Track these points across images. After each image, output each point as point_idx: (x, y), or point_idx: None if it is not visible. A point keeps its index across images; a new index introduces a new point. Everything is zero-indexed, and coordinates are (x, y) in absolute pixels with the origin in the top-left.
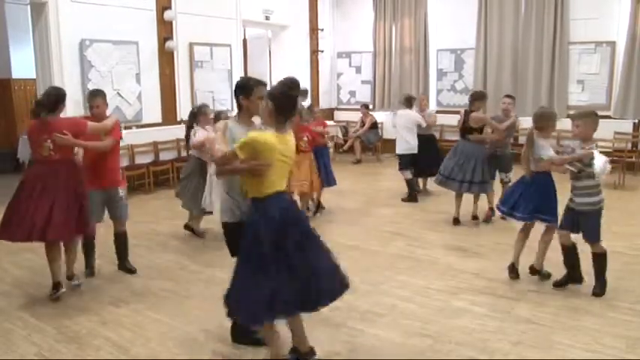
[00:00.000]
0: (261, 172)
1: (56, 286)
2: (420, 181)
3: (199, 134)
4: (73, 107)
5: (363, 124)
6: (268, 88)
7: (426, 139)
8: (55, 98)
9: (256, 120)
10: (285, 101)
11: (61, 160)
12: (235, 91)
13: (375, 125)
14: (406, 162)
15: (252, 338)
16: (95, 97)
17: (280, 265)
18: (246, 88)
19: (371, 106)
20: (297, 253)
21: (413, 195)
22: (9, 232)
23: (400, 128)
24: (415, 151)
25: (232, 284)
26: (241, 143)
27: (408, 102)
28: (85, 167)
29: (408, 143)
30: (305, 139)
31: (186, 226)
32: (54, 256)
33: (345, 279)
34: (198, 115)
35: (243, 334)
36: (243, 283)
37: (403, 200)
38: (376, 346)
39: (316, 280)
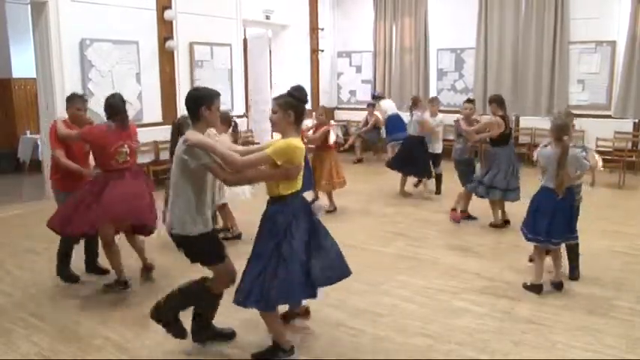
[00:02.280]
0: (295, 175)
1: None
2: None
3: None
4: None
5: (367, 122)
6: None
7: (420, 141)
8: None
9: (211, 131)
10: (302, 110)
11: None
12: (196, 101)
13: (378, 125)
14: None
15: (215, 333)
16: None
17: (309, 249)
18: (208, 99)
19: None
20: (317, 238)
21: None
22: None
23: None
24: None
25: (257, 276)
26: (278, 149)
27: (413, 104)
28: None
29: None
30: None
31: None
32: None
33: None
34: (183, 128)
35: (202, 330)
36: (274, 272)
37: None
38: (376, 346)
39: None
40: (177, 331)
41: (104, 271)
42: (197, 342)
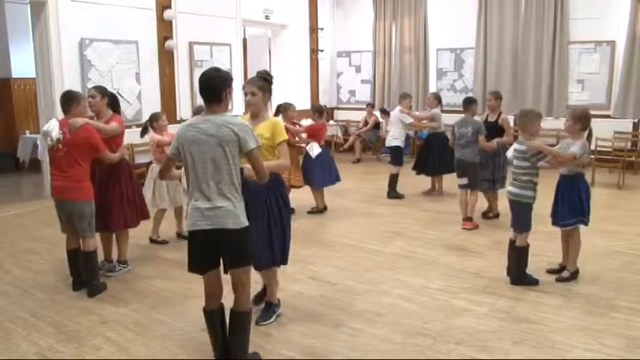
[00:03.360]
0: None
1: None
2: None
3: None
4: None
5: (366, 123)
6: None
7: (437, 137)
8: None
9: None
10: (272, 91)
11: None
12: (224, 82)
13: (378, 125)
14: (392, 155)
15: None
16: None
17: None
18: (231, 81)
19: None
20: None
21: (390, 193)
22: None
23: (391, 123)
24: (394, 143)
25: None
26: (281, 129)
27: (402, 98)
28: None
29: (391, 136)
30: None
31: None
32: None
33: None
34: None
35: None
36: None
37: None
38: (376, 346)
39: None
40: None
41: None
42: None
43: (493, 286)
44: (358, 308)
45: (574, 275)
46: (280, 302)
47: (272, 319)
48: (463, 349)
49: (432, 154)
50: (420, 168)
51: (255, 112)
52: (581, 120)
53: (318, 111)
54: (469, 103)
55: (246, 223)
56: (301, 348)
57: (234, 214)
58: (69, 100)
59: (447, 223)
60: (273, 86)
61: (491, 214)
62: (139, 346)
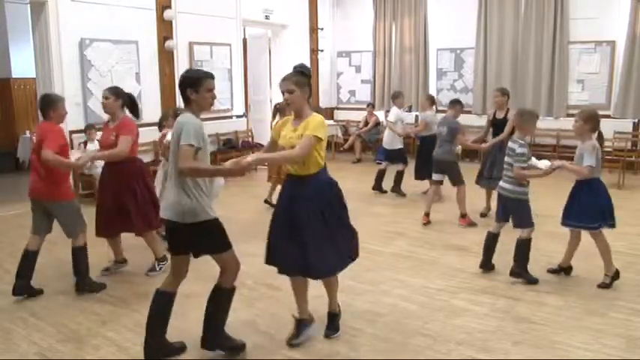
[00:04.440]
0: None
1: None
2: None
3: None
4: (74, 107)
5: (366, 123)
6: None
7: (427, 141)
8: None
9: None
10: (311, 86)
11: None
12: (181, 84)
13: (378, 125)
14: (399, 156)
15: (231, 346)
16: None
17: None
18: (193, 81)
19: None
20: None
21: (375, 186)
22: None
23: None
24: (399, 146)
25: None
26: (318, 126)
27: (395, 97)
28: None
29: (393, 138)
30: None
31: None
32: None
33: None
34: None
35: (219, 340)
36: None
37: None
38: (376, 346)
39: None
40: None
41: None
42: (206, 349)
43: (493, 286)
44: (358, 308)
45: (615, 277)
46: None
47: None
48: (463, 349)
49: (421, 158)
50: (416, 173)
51: (298, 111)
52: (590, 121)
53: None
54: (452, 103)
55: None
56: (301, 348)
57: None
58: (47, 104)
59: (447, 224)
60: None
61: (489, 212)
62: (139, 346)
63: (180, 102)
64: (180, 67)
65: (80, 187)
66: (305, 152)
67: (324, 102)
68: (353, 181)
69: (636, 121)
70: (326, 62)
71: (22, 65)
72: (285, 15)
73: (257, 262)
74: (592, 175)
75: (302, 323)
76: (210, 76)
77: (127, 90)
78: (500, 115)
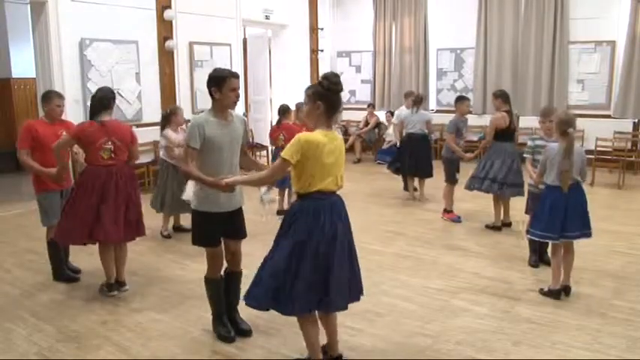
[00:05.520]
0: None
1: (110, 286)
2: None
3: (171, 136)
4: (74, 107)
5: (366, 123)
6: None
7: (421, 138)
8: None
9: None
10: (334, 99)
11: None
12: (208, 82)
13: (378, 126)
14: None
15: (220, 334)
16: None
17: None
18: (218, 80)
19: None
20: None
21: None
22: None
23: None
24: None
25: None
26: (287, 147)
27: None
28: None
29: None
30: (281, 137)
31: (176, 228)
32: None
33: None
34: (170, 116)
35: (215, 325)
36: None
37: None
38: (376, 346)
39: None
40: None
41: (73, 279)
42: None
43: (493, 286)
44: (358, 308)
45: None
46: None
47: None
48: (463, 349)
49: (404, 156)
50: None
51: (310, 123)
52: (559, 125)
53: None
54: (455, 100)
55: (195, 208)
56: (301, 348)
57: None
58: (42, 98)
59: (447, 223)
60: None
61: (496, 224)
62: (138, 346)
63: (180, 102)
64: (180, 67)
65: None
66: (271, 174)
67: None
68: (353, 182)
69: (636, 121)
70: (326, 62)
71: (22, 65)
72: (285, 15)
73: (256, 262)
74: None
75: None
76: (235, 76)
77: (127, 90)
78: None
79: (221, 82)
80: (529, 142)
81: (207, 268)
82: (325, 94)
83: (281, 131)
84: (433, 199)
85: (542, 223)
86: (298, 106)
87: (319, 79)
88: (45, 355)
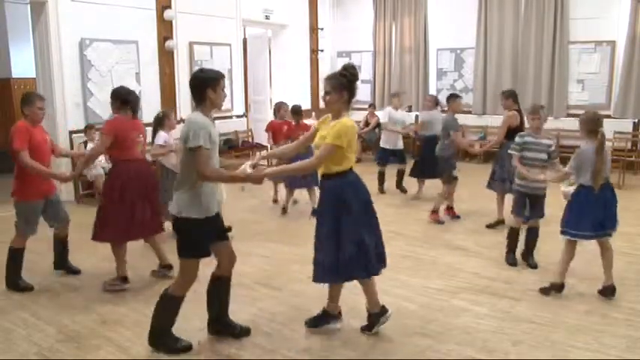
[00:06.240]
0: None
1: (124, 279)
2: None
3: (160, 137)
4: (74, 107)
5: (367, 123)
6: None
7: (427, 141)
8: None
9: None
10: (354, 88)
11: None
12: (203, 82)
13: (379, 126)
14: (400, 156)
15: (174, 347)
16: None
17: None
18: (214, 80)
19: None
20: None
21: (399, 185)
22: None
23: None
24: (385, 145)
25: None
26: (336, 134)
27: (391, 97)
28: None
29: (396, 139)
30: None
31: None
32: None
33: None
34: (163, 120)
35: (164, 340)
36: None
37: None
38: (376, 346)
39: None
40: (178, 347)
41: (76, 271)
42: (214, 334)
43: (493, 286)
44: (358, 308)
45: (557, 288)
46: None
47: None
48: (463, 349)
49: (421, 156)
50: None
51: (334, 112)
52: (584, 123)
53: (296, 112)
54: (448, 98)
55: (185, 215)
56: (301, 348)
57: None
58: (22, 101)
59: (447, 224)
60: (354, 82)
61: (499, 219)
62: (138, 346)
63: (180, 102)
64: (180, 67)
65: (80, 188)
66: (321, 161)
67: (324, 102)
68: None
69: (636, 121)
70: (326, 62)
71: (22, 65)
72: (285, 15)
73: (257, 262)
74: (568, 178)
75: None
76: (223, 76)
77: None
78: None
79: (216, 83)
80: (517, 139)
81: (177, 285)
82: (348, 84)
83: (301, 130)
84: (433, 199)
85: (577, 221)
86: (279, 105)
87: (340, 71)
88: (45, 355)
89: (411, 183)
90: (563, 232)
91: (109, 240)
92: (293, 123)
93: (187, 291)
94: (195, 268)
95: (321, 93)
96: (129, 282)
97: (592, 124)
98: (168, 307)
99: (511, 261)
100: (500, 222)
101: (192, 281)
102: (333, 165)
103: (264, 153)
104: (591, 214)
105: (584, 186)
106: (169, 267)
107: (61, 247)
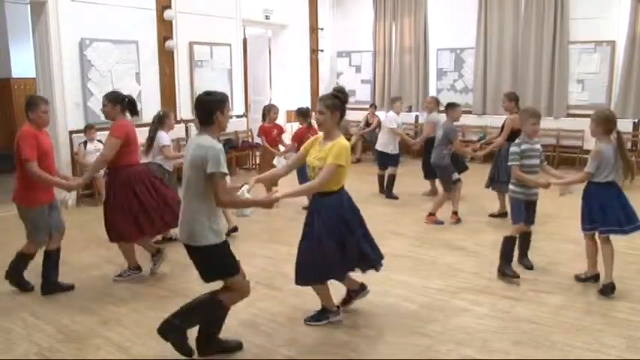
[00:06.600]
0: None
1: (138, 268)
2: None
3: (165, 138)
4: (74, 107)
5: (367, 123)
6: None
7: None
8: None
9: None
10: (345, 110)
11: None
12: (213, 105)
13: (380, 126)
14: (394, 160)
15: (220, 347)
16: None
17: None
18: (222, 103)
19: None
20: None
21: (389, 193)
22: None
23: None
24: (381, 148)
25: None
26: (338, 154)
27: (392, 102)
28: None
29: (393, 143)
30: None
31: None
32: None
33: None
34: (164, 119)
35: (210, 344)
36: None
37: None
38: (376, 346)
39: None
40: (184, 348)
41: (68, 287)
42: (203, 356)
43: (493, 286)
44: (358, 308)
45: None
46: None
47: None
48: (463, 349)
49: (427, 158)
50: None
51: (326, 132)
52: (602, 123)
53: (303, 114)
54: (447, 107)
55: (206, 243)
56: (301, 348)
57: (191, 233)
58: (26, 106)
59: (447, 224)
60: (344, 103)
61: (502, 211)
62: (138, 346)
63: (180, 102)
64: (180, 67)
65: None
66: (325, 181)
67: None
68: (353, 181)
69: (636, 121)
70: (326, 62)
71: (22, 65)
72: (285, 15)
73: (257, 262)
74: (590, 179)
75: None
76: (228, 97)
77: (126, 90)
78: None
79: (224, 105)
80: (514, 149)
81: (234, 296)
82: (341, 105)
83: (311, 133)
84: (433, 199)
85: (607, 218)
86: (269, 108)
87: (334, 93)
88: (45, 355)
89: (423, 183)
90: (601, 232)
91: (131, 240)
92: (283, 127)
93: (238, 302)
94: (242, 281)
95: (321, 93)
96: (141, 270)
97: (610, 123)
98: (210, 311)
99: (511, 273)
100: (503, 214)
101: (246, 292)
102: (332, 184)
103: (255, 178)
104: (617, 209)
105: (602, 183)
106: (159, 251)
107: (54, 259)
